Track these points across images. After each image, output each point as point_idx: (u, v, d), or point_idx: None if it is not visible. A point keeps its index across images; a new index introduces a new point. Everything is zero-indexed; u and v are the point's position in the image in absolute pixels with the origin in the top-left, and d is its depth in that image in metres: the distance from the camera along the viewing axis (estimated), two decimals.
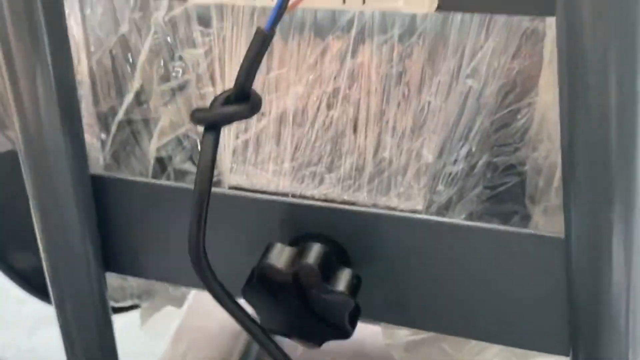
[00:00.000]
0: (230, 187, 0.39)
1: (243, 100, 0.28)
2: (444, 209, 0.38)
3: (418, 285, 0.36)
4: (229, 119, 0.28)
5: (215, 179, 0.40)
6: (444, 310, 0.36)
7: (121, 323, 0.49)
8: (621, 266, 0.29)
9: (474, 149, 0.37)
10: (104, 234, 0.41)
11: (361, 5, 0.30)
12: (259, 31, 0.26)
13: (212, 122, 0.28)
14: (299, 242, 0.36)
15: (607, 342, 0.31)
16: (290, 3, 0.26)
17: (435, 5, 0.29)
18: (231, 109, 0.28)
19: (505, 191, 0.39)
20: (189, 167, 0.42)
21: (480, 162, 0.37)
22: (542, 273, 0.33)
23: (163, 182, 0.40)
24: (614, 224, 0.28)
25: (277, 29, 0.28)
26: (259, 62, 0.27)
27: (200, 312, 0.76)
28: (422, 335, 0.45)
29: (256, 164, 0.38)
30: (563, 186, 0.30)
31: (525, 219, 0.39)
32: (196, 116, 0.28)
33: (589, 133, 0.27)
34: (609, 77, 0.25)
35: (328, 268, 0.34)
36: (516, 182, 0.38)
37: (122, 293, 0.56)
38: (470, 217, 0.39)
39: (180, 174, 0.43)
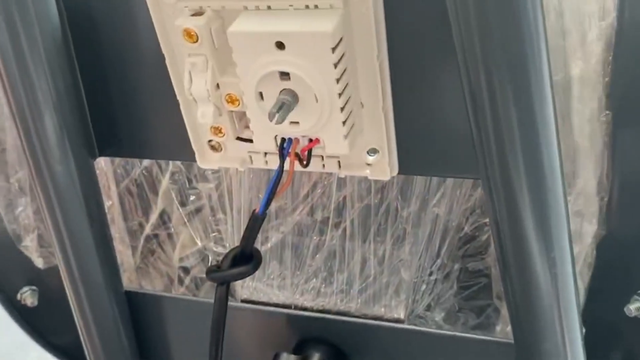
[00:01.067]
0: (242, 300, 0.46)
1: (247, 259, 0.35)
2: (425, 311, 0.44)
3: None
4: (236, 278, 0.35)
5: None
6: None
7: None
8: None
9: (446, 261, 0.43)
10: (138, 334, 0.49)
11: (337, 170, 0.36)
12: (254, 214, 0.34)
13: (223, 281, 0.35)
14: (302, 347, 0.43)
15: None
16: (278, 189, 0.33)
17: (396, 172, 0.36)
18: (237, 270, 0.35)
19: (478, 290, 0.45)
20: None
21: (453, 269, 0.44)
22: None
23: (187, 297, 0.47)
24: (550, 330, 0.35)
25: None
26: (256, 234, 0.34)
27: None
28: None
29: (263, 281, 0.45)
30: (505, 297, 0.36)
31: (497, 310, 0.46)
32: (211, 276, 0.35)
33: None
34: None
35: None
36: (486, 282, 0.45)
37: None
38: (448, 313, 0.45)
39: (200, 281, 0.50)
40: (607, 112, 0.36)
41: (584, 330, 0.40)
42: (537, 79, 0.28)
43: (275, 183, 0.33)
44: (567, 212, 0.31)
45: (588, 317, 0.41)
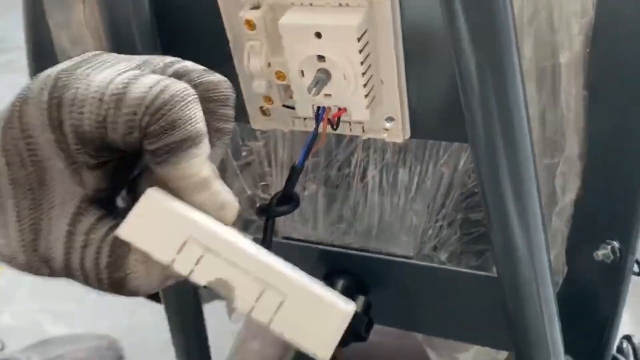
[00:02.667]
0: (283, 237, 0.57)
1: (288, 200, 0.45)
2: (431, 251, 0.54)
3: (410, 304, 0.52)
4: (280, 214, 0.45)
5: None
6: (426, 318, 0.53)
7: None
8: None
9: (450, 212, 0.52)
10: None
11: (361, 133, 0.46)
12: (294, 166, 0.43)
13: (269, 216, 0.45)
14: (331, 276, 0.54)
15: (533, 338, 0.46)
16: (314, 146, 0.43)
17: (408, 136, 0.45)
18: (281, 208, 0.45)
19: (479, 236, 0.54)
20: (254, 217, 0.60)
21: (457, 219, 0.53)
22: (484, 294, 0.49)
23: None
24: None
25: None
26: (296, 181, 0.44)
27: None
28: None
29: (300, 221, 0.55)
30: (489, 240, 0.45)
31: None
32: (260, 211, 0.45)
33: None
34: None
35: (348, 297, 0.51)
36: (484, 230, 0.54)
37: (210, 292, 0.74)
38: (451, 255, 0.55)
39: (248, 223, 0.61)
40: (585, 91, 0.44)
41: (564, 270, 0.50)
42: (509, 65, 0.36)
43: (311, 142, 0.43)
44: (536, 169, 0.40)
45: (568, 261, 0.50)
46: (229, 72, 0.46)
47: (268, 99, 0.46)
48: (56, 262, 0.32)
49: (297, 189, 0.53)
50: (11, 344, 1.15)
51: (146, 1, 0.46)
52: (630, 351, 0.64)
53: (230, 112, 0.33)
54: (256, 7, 0.42)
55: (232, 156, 0.59)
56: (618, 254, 0.47)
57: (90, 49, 0.56)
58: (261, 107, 0.47)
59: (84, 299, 1.18)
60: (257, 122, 0.48)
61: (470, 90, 0.37)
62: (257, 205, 0.57)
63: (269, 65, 0.43)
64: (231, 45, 0.44)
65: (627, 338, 0.68)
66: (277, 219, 0.54)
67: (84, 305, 1.26)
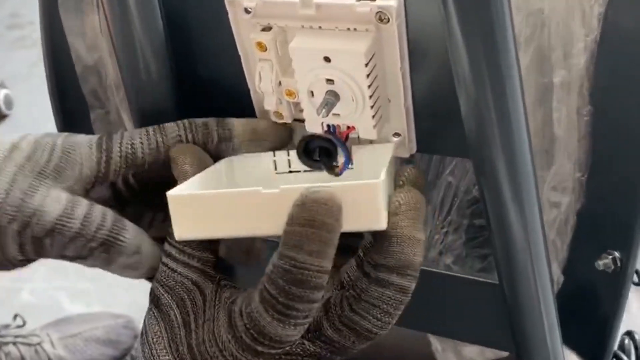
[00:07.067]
0: None
1: None
2: (438, 255, 0.56)
3: (415, 305, 0.54)
4: None
5: None
6: (429, 319, 0.55)
7: None
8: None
9: (456, 218, 0.54)
10: None
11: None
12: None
13: None
14: None
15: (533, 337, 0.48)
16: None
17: (414, 151, 0.46)
18: None
19: (483, 241, 0.56)
20: None
21: (462, 224, 0.55)
22: (486, 299, 0.51)
23: None
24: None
25: None
26: None
27: None
28: None
29: None
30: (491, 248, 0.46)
31: None
32: None
33: None
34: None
35: None
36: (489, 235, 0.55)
37: None
38: (457, 258, 0.57)
39: None
40: (590, 107, 0.45)
41: (559, 280, 0.51)
42: (510, 83, 0.37)
43: (347, 154, 0.44)
44: (536, 181, 0.41)
45: (569, 270, 0.52)
46: (241, 88, 0.48)
47: (278, 114, 0.47)
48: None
49: None
50: (30, 321, 1.19)
51: (159, 17, 0.47)
52: (632, 347, 0.66)
53: None
54: (267, 29, 0.43)
55: None
56: (619, 264, 0.49)
57: (105, 55, 0.58)
58: None
59: (101, 278, 1.22)
60: None
61: (469, 103, 0.38)
62: None
63: (280, 84, 0.45)
64: (243, 63, 0.45)
65: (629, 334, 0.70)
66: None
67: (101, 285, 1.31)
